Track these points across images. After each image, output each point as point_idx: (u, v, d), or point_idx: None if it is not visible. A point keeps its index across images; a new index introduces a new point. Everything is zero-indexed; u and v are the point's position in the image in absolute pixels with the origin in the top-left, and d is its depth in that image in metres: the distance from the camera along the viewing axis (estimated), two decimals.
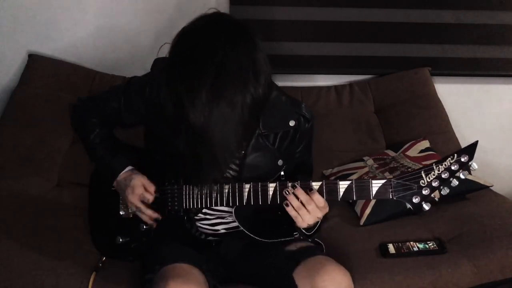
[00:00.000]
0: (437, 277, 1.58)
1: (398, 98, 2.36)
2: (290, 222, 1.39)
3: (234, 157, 1.46)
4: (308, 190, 1.34)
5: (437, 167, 1.27)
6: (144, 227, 1.52)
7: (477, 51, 2.37)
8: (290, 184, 1.36)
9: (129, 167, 1.54)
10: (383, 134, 2.32)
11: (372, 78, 2.45)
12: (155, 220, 1.52)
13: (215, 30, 1.28)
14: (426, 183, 1.28)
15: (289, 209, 1.35)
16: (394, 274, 1.58)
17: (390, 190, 1.30)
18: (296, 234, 1.47)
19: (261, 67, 1.29)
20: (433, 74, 2.41)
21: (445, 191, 1.28)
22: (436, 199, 1.31)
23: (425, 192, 1.29)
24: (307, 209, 1.34)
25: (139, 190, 1.48)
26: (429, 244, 1.70)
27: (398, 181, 1.30)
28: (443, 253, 1.66)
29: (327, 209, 1.38)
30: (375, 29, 2.34)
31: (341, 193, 1.33)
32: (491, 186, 2.00)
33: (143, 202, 1.49)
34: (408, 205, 1.31)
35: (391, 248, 1.70)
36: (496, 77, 2.45)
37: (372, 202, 1.89)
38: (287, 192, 1.35)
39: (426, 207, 1.30)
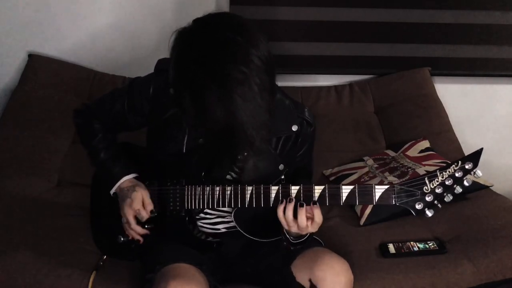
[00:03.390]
0: (437, 277, 1.58)
1: (398, 98, 2.36)
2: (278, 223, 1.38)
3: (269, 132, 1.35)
4: (312, 203, 1.33)
5: (441, 174, 1.27)
6: (146, 226, 1.51)
7: (477, 51, 2.37)
8: (296, 200, 1.34)
9: (133, 175, 1.52)
10: (383, 134, 2.32)
11: (372, 78, 2.45)
12: (142, 235, 1.50)
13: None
14: (429, 190, 1.28)
15: (280, 215, 1.34)
16: (394, 274, 1.58)
17: (393, 196, 1.30)
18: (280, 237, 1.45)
19: (254, 31, 1.22)
20: (433, 74, 2.41)
21: (449, 198, 1.27)
22: (439, 205, 1.29)
23: (428, 198, 1.28)
24: (298, 224, 1.33)
25: (137, 205, 1.45)
26: (429, 244, 1.70)
27: (402, 187, 1.29)
28: (443, 253, 1.66)
29: (317, 228, 1.36)
30: (375, 29, 2.34)
31: (344, 198, 1.32)
32: (491, 186, 2.00)
33: (136, 217, 1.47)
34: (411, 211, 1.30)
35: (391, 248, 1.70)
36: (496, 77, 2.45)
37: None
38: (290, 200, 1.33)
39: (429, 213, 1.29)
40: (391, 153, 2.17)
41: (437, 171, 1.27)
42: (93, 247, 1.64)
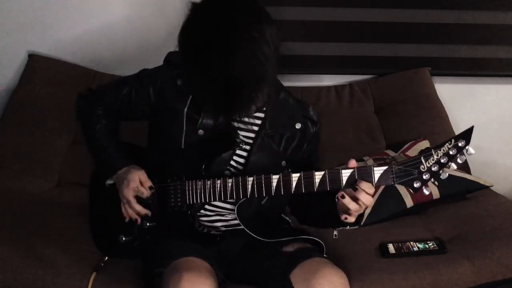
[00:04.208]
0: (437, 277, 1.58)
1: (398, 98, 2.36)
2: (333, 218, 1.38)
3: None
4: (354, 187, 1.31)
5: (436, 152, 1.30)
6: (148, 224, 1.52)
7: (477, 51, 2.37)
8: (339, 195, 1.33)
9: (132, 165, 1.52)
10: (383, 134, 2.32)
11: (372, 78, 2.45)
12: (146, 218, 1.50)
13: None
14: (426, 168, 1.30)
15: (355, 209, 1.32)
16: (394, 274, 1.58)
17: (392, 176, 1.31)
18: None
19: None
20: (433, 74, 2.41)
21: (444, 175, 1.31)
22: (436, 183, 1.33)
23: (425, 176, 1.31)
24: (363, 200, 1.31)
25: (134, 183, 1.46)
26: (429, 244, 1.70)
27: (399, 167, 1.31)
28: (443, 253, 1.66)
29: (369, 201, 1.33)
30: (375, 29, 2.34)
31: (344, 181, 1.33)
32: (491, 186, 2.00)
33: (137, 196, 1.48)
34: (410, 190, 1.32)
35: (391, 248, 1.70)
36: (496, 77, 2.45)
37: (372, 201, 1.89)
38: (338, 199, 1.33)
39: (426, 191, 1.32)
40: (391, 153, 2.17)
41: (432, 150, 1.30)
42: (93, 247, 1.64)
